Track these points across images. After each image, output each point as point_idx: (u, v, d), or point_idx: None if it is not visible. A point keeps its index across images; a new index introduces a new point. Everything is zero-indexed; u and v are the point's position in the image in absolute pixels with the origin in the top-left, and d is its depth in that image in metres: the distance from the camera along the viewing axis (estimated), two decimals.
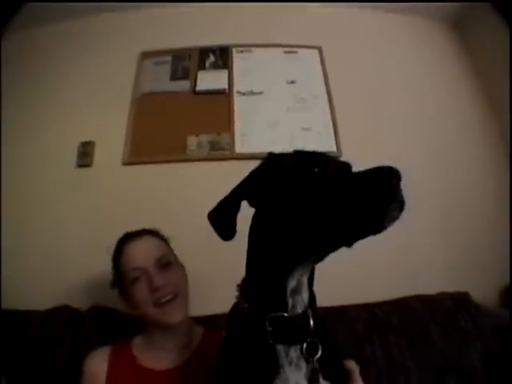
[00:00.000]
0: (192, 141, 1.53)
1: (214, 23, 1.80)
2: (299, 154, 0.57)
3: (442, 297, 1.21)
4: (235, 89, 1.65)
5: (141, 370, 0.86)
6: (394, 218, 0.45)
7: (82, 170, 1.49)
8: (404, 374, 1.04)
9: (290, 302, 0.54)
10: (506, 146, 1.62)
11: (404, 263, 1.39)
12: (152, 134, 1.54)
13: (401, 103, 1.70)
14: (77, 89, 1.66)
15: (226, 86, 1.65)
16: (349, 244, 0.49)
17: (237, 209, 0.60)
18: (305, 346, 0.52)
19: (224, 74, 1.69)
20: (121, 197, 1.43)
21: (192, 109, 1.60)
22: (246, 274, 0.61)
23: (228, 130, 1.55)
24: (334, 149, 1.54)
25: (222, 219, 0.60)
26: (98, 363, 0.87)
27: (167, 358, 0.87)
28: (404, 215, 0.46)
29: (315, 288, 0.59)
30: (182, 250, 1.00)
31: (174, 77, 1.69)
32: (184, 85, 1.67)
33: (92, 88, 1.66)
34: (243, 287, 0.61)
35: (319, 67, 1.73)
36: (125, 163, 1.49)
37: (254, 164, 0.63)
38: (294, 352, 0.52)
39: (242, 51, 1.76)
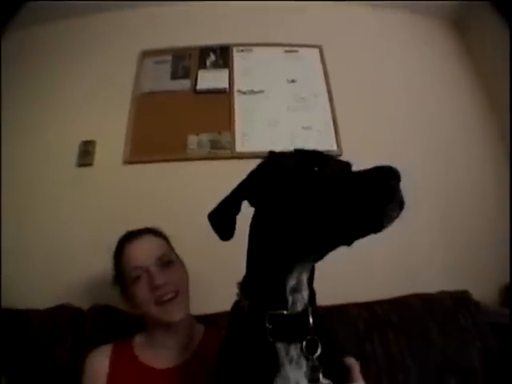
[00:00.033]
0: (192, 140, 1.53)
1: (215, 22, 1.80)
2: (299, 153, 0.57)
3: (441, 295, 1.21)
4: (236, 88, 1.66)
5: (142, 368, 0.86)
6: (392, 218, 0.45)
7: (83, 169, 1.49)
8: (404, 372, 1.04)
9: (290, 299, 0.55)
10: (506, 145, 1.61)
11: (404, 262, 1.40)
12: (152, 133, 1.54)
13: (401, 102, 1.70)
14: (77, 88, 1.66)
15: (227, 85, 1.65)
16: (348, 243, 0.50)
17: (237, 210, 0.60)
18: (304, 343, 0.53)
19: (224, 73, 1.69)
20: (121, 196, 1.43)
21: (192, 108, 1.61)
22: (247, 273, 0.61)
23: (228, 129, 1.55)
24: (335, 147, 1.54)
25: (222, 220, 0.61)
26: (100, 361, 0.87)
27: (168, 357, 0.88)
28: (404, 214, 0.46)
29: (316, 287, 0.60)
30: (183, 248, 1.00)
31: (174, 76, 1.69)
32: (184, 84, 1.67)
33: (93, 87, 1.66)
34: (244, 285, 0.61)
35: (319, 66, 1.73)
36: (125, 162, 1.50)
37: (254, 163, 0.63)
38: (294, 350, 0.53)
39: (242, 50, 1.76)
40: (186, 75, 1.69)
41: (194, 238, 1.16)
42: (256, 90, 1.66)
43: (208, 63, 1.71)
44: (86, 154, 1.50)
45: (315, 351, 0.52)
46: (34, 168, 1.50)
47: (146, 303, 0.86)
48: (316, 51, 1.76)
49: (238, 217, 0.60)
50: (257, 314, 0.55)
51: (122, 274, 0.91)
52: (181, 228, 1.06)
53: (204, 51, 1.74)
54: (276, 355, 0.52)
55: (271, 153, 0.64)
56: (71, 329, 1.07)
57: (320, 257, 0.56)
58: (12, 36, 1.68)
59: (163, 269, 0.89)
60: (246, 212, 0.61)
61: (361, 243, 0.49)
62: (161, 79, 1.68)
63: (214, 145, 1.52)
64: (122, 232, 0.98)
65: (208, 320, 1.02)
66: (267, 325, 0.53)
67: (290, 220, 0.52)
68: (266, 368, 0.52)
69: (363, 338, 1.08)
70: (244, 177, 0.62)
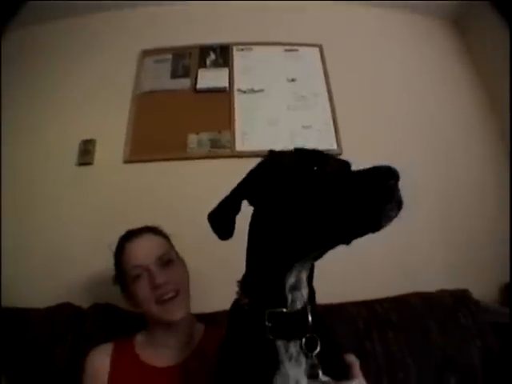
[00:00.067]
0: (192, 139, 1.53)
1: (215, 21, 1.80)
2: (299, 152, 0.57)
3: (441, 294, 1.21)
4: (236, 87, 1.66)
5: (143, 366, 0.86)
6: (391, 218, 0.46)
7: (83, 168, 1.49)
8: (403, 370, 1.04)
9: (290, 298, 0.55)
10: (506, 144, 1.61)
11: (404, 261, 1.40)
12: (153, 132, 1.54)
13: (401, 101, 1.70)
14: (77, 87, 1.67)
15: (227, 84, 1.65)
16: (347, 242, 0.50)
17: (237, 210, 0.60)
18: (304, 341, 0.53)
19: (224, 72, 1.69)
20: (121, 195, 1.43)
21: (192, 107, 1.61)
22: (246, 271, 0.61)
23: (228, 127, 1.56)
24: (335, 147, 1.54)
25: (222, 220, 0.61)
26: (101, 360, 0.87)
27: (169, 355, 0.88)
28: (404, 213, 0.46)
29: (315, 285, 0.60)
30: (183, 247, 1.00)
31: (174, 75, 1.69)
32: (184, 83, 1.67)
33: (93, 86, 1.66)
34: (243, 284, 0.61)
35: (319, 65, 1.73)
36: (126, 161, 1.50)
37: (254, 162, 0.63)
38: (293, 348, 0.53)
39: (242, 49, 1.76)
40: (186, 74, 1.69)
41: (194, 237, 1.15)
42: (256, 88, 1.66)
43: (208, 62, 1.71)
44: (86, 153, 1.50)
45: (314, 349, 0.52)
46: (33, 167, 1.50)
47: (147, 302, 0.87)
48: (316, 50, 1.76)
49: (238, 216, 0.61)
50: (256, 312, 0.55)
51: (123, 272, 0.91)
52: (181, 227, 1.06)
53: (204, 50, 1.74)
54: (276, 353, 0.52)
55: (271, 152, 0.64)
56: (71, 327, 1.07)
57: (319, 255, 0.56)
58: (12, 36, 1.68)
59: (164, 268, 0.89)
60: (246, 211, 0.61)
61: (361, 242, 0.49)
62: (161, 78, 1.68)
63: (214, 144, 1.52)
64: (122, 231, 0.98)
65: (208, 318, 1.02)
66: (267, 323, 0.53)
67: (290, 219, 0.52)
68: (265, 365, 0.52)
69: (363, 337, 1.08)
70: (244, 176, 0.62)
